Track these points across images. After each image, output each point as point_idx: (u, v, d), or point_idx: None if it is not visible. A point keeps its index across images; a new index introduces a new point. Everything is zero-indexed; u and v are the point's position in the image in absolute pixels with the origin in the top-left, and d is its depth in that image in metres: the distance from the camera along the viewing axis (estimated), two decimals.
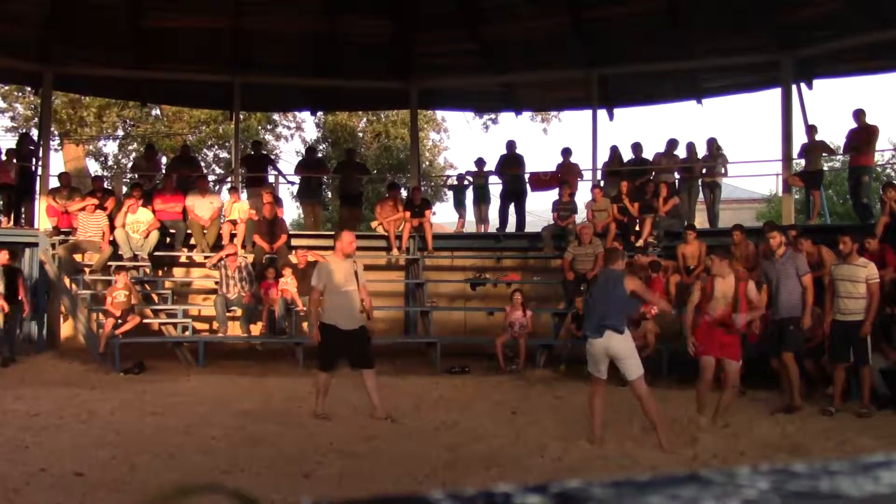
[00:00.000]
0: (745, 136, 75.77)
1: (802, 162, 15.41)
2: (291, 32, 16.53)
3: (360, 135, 31.07)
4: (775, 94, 15.45)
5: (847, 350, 9.11)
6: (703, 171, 15.67)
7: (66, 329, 14.61)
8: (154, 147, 19.59)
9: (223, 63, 16.80)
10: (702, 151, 15.64)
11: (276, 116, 30.19)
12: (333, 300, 8.35)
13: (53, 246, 14.15)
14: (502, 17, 15.85)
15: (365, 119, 30.92)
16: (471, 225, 17.61)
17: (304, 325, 13.99)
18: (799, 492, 0.54)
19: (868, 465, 0.62)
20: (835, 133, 62.52)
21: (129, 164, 25.65)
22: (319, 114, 27.10)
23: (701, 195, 15.87)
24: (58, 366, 12.41)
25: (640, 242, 13.94)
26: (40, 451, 6.77)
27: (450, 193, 20.00)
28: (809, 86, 15.82)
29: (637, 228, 14.36)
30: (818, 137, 14.49)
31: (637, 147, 16.07)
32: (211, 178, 21.14)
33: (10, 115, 27.81)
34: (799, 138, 14.91)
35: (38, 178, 15.79)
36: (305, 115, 30.35)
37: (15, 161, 15.22)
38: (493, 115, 25.80)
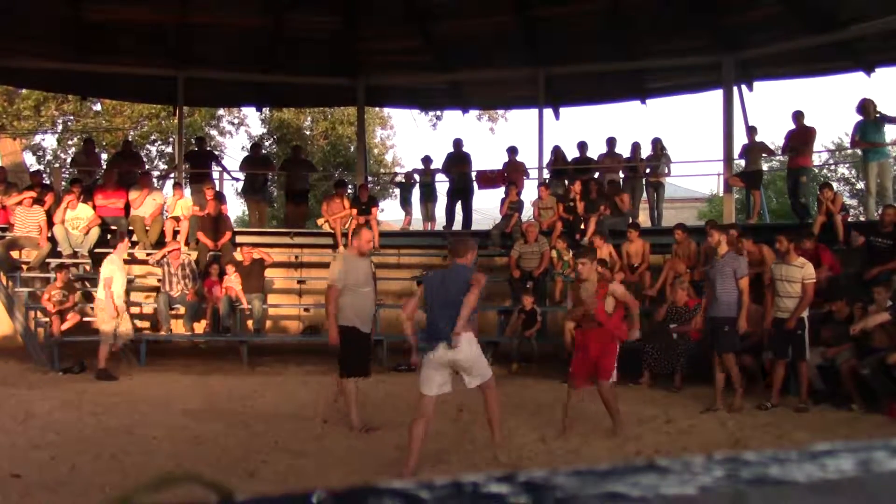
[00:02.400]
0: (687, 137, 77.19)
1: (743, 162, 15.73)
2: (236, 27, 16.32)
3: (307, 132, 30.89)
4: (717, 95, 15.77)
5: (786, 346, 9.35)
6: (647, 170, 15.91)
7: (2, 327, 14.24)
8: (92, 141, 19.18)
9: (167, 57, 16.53)
10: (646, 151, 15.88)
11: (220, 112, 29.85)
12: (351, 300, 7.78)
13: None
14: (449, 14, 15.86)
15: (311, 116, 30.74)
16: (417, 223, 17.62)
17: (249, 322, 13.87)
18: (751, 479, 0.56)
19: (815, 454, 0.64)
20: (774, 134, 63.98)
21: (69, 160, 25.14)
22: (265, 110, 26.89)
23: (644, 194, 16.11)
24: None
25: (584, 240, 14.10)
26: None
27: (397, 191, 20.00)
28: (750, 87, 16.19)
29: (582, 227, 14.51)
30: (758, 138, 14.82)
31: (583, 146, 16.25)
32: (154, 173, 20.80)
33: None
34: (740, 139, 15.26)
35: None
36: (250, 111, 30.12)
37: None
38: (438, 113, 25.87)
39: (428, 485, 0.47)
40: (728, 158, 15.48)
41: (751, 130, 14.89)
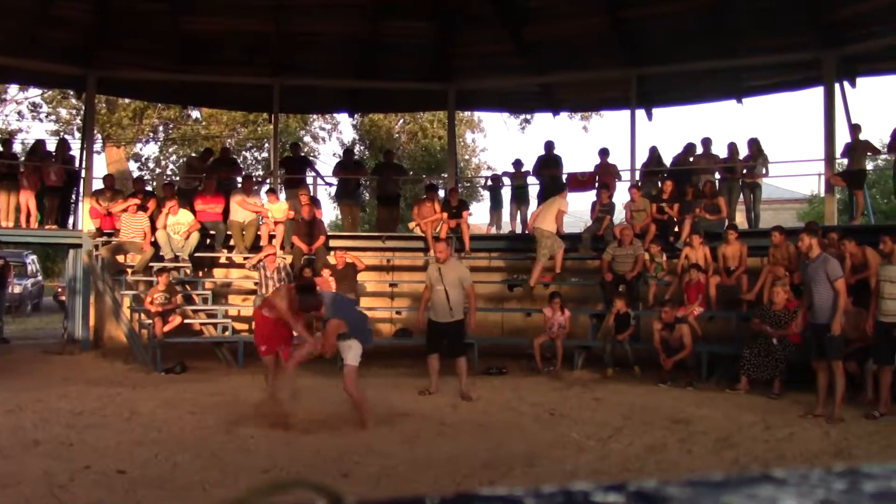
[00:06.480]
0: (786, 136, 74.80)
1: (845, 161, 15.16)
2: (333, 35, 16.55)
3: (397, 135, 31.17)
4: (818, 92, 15.22)
5: (890, 352, 8.95)
6: (744, 171, 15.46)
7: (109, 329, 14.83)
8: (212, 151, 19.27)
9: (265, 66, 16.87)
10: (743, 151, 15.44)
11: (313, 117, 30.39)
12: (432, 298, 10.09)
13: (97, 247, 14.37)
14: (541, 17, 15.74)
15: (401, 119, 31.02)
16: (505, 226, 17.51)
17: None
18: (875, 493, 0.52)
19: None
20: (880, 131, 61.42)
21: (168, 166, 25.97)
22: (357, 115, 27.26)
23: (741, 196, 15.66)
24: (101, 365, 12.62)
25: (679, 242, 13.82)
26: (84, 449, 6.88)
27: (486, 194, 19.99)
28: (853, 84, 15.55)
29: (676, 229, 14.23)
30: (862, 137, 14.26)
31: (689, 148, 15.85)
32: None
33: (53, 118, 28.40)
34: (842, 137, 14.71)
35: (81, 180, 16.01)
36: (342, 116, 30.58)
37: (55, 164, 15.49)
38: (528, 116, 25.75)
39: (537, 492, 0.46)
40: (830, 157, 14.94)
41: (854, 128, 14.35)
